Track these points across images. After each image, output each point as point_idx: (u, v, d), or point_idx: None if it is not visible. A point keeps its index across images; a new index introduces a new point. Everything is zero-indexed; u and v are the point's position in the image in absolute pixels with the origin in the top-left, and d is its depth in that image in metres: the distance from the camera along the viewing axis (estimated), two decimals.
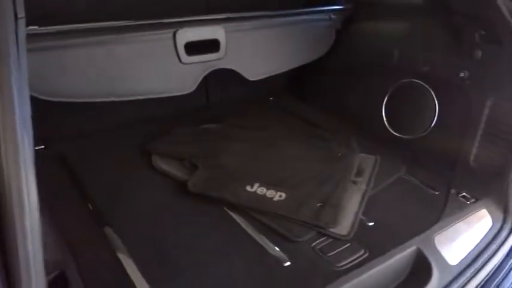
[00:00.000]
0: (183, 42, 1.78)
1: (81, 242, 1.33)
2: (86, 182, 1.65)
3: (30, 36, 1.49)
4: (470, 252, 1.42)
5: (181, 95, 1.91)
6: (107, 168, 1.76)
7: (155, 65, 1.78)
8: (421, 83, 1.92)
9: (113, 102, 1.78)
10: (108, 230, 1.38)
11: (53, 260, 1.16)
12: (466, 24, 1.69)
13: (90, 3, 1.81)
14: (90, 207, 1.52)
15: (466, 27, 1.69)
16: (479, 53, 1.67)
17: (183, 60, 1.80)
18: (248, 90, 2.43)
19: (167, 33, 1.75)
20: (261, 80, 2.16)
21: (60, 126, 1.98)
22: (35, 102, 1.54)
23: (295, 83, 2.65)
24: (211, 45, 1.89)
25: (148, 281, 1.19)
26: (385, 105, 2.08)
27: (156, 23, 1.72)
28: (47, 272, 1.14)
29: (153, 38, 1.74)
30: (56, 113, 1.90)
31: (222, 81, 2.34)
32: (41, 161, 1.83)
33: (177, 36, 1.75)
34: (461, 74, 1.74)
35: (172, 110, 2.22)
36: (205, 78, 1.99)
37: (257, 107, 2.49)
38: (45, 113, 1.82)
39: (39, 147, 1.91)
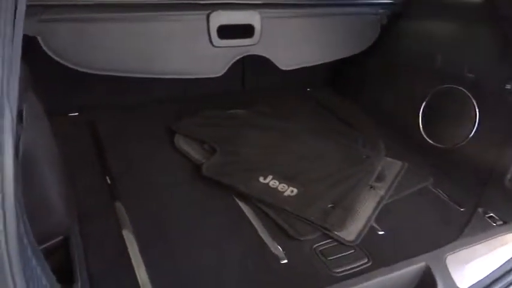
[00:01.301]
0: (216, 25, 1.76)
1: (91, 212, 1.38)
2: (108, 154, 1.70)
3: (67, 7, 1.57)
4: (484, 278, 1.33)
5: (217, 79, 1.90)
6: (131, 142, 1.81)
7: (186, 46, 1.78)
8: (464, 90, 1.79)
9: (147, 78, 1.82)
10: (119, 205, 1.42)
11: (59, 222, 1.22)
12: None
13: None
14: (108, 179, 1.56)
15: None
16: None
17: (214, 43, 1.79)
18: (286, 79, 2.39)
19: (201, 15, 1.74)
20: (299, 70, 2.11)
21: (95, 96, 2.06)
22: (71, 71, 1.63)
23: (334, 76, 2.57)
24: (245, 30, 1.86)
25: (144, 259, 1.21)
26: (423, 109, 1.97)
27: (191, 3, 1.72)
28: (53, 234, 1.21)
29: (186, 19, 1.74)
30: (91, 83, 1.98)
31: (259, 67, 2.31)
32: (72, 127, 1.93)
33: (211, 18, 1.74)
34: (508, 86, 1.60)
35: (206, 92, 2.24)
36: (242, 64, 1.97)
37: (292, 96, 2.45)
38: (81, 82, 1.92)
39: (73, 114, 2.01)
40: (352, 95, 2.41)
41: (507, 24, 1.57)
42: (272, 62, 1.99)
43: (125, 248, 1.25)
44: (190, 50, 1.80)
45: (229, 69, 1.91)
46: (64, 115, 1.96)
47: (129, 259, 1.21)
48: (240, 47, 1.87)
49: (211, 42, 1.79)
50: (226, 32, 1.82)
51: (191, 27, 1.76)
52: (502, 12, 1.58)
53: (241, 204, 1.48)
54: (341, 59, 2.25)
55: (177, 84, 1.97)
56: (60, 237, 1.21)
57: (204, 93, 2.23)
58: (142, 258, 1.21)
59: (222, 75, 1.91)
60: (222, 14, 1.76)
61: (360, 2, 2.18)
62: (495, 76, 1.64)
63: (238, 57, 1.88)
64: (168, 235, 1.33)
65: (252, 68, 2.38)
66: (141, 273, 1.16)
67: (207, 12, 1.74)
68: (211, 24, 1.75)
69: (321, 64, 2.21)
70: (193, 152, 1.75)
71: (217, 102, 2.18)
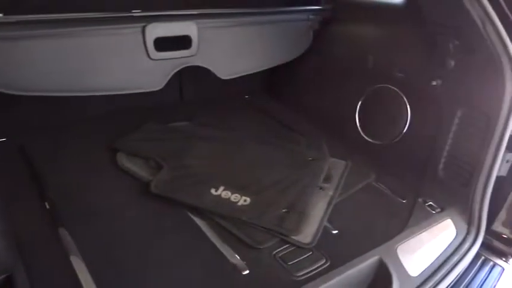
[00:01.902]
0: (153, 38, 1.72)
1: (34, 243, 1.29)
2: (44, 179, 1.59)
3: None
4: (432, 263, 1.42)
5: (154, 92, 1.85)
6: (69, 165, 1.71)
7: (123, 60, 1.72)
8: (395, 89, 1.91)
9: (80, 96, 1.73)
10: (63, 231, 1.33)
11: (2, 261, 1.12)
12: (440, 33, 1.68)
13: None
14: (47, 206, 1.46)
15: (440, 37, 1.68)
16: (452, 63, 1.65)
17: (152, 56, 1.74)
18: (223, 88, 2.39)
19: (136, 28, 1.69)
20: (237, 79, 2.12)
21: (23, 119, 1.91)
22: None
23: (272, 82, 2.62)
24: (183, 42, 1.83)
25: (98, 286, 1.14)
26: (359, 109, 2.06)
27: (125, 16, 1.66)
28: None
29: (121, 32, 1.68)
30: (19, 105, 1.84)
31: (196, 78, 2.29)
32: (1, 154, 1.78)
33: (146, 31, 1.70)
34: (434, 83, 1.73)
35: (145, 106, 2.17)
36: (180, 75, 1.93)
37: (231, 105, 2.45)
38: (7, 105, 1.78)
39: (0, 140, 1.85)
40: (290, 100, 2.46)
41: (431, 25, 1.70)
42: (208, 72, 1.98)
43: (75, 276, 1.17)
44: (128, 64, 1.73)
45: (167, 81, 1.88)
46: None
47: None
48: (179, 58, 1.83)
49: (148, 55, 1.74)
50: (163, 44, 1.78)
51: (127, 41, 1.70)
52: (425, 15, 1.70)
53: (196, 219, 1.45)
54: (277, 66, 2.30)
55: (112, 99, 1.89)
56: (3, 276, 1.11)
57: (141, 108, 2.16)
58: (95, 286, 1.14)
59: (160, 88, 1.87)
60: (158, 26, 1.72)
61: (290, 9, 2.24)
62: (423, 74, 1.76)
63: (177, 69, 1.84)
64: (121, 259, 1.26)
65: (189, 79, 2.35)
66: None
67: (142, 24, 1.69)
68: (147, 36, 1.70)
69: (259, 71, 2.24)
70: (139, 169, 1.68)
71: (156, 116, 2.13)
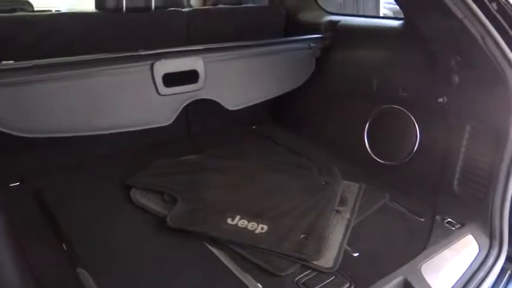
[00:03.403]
0: (161, 74, 1.76)
1: (53, 285, 1.27)
2: (61, 220, 1.59)
3: (3, 71, 1.49)
4: (457, 280, 1.39)
5: (162, 127, 1.88)
6: (84, 204, 1.71)
7: (132, 98, 1.75)
8: (401, 108, 1.92)
9: (91, 135, 1.75)
10: (82, 272, 1.31)
11: None
12: (441, 50, 1.71)
13: (69, 37, 1.81)
14: (64, 247, 1.45)
15: (442, 54, 1.71)
16: (456, 79, 1.68)
17: (161, 92, 1.77)
18: (230, 119, 2.42)
19: (144, 65, 1.73)
20: (243, 109, 2.15)
21: (37, 162, 1.93)
22: (10, 138, 1.53)
23: (278, 111, 2.65)
24: (190, 76, 1.88)
25: None
26: (367, 131, 2.08)
27: (133, 55, 1.71)
28: None
29: (129, 71, 1.72)
30: (32, 148, 1.86)
31: (202, 111, 2.32)
32: (16, 198, 1.79)
33: (155, 68, 1.74)
34: (440, 100, 1.75)
35: (153, 142, 2.19)
36: (186, 109, 1.96)
37: (239, 136, 2.47)
38: (20, 148, 1.80)
39: (14, 184, 1.86)
40: (298, 127, 2.48)
41: (431, 44, 1.73)
42: (215, 106, 2.01)
43: None
44: (137, 102, 1.76)
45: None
46: (4, 186, 1.82)
47: None
48: (187, 93, 1.87)
49: (157, 91, 1.77)
50: (171, 80, 1.82)
51: (136, 79, 1.74)
52: (425, 34, 1.74)
53: (214, 250, 1.44)
54: (283, 94, 2.33)
55: (124, 137, 1.91)
56: None
57: (151, 144, 2.18)
58: None
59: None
60: (166, 63, 1.76)
61: (291, 39, 2.29)
62: (428, 92, 1.78)
63: (186, 103, 1.87)
64: None
65: (196, 113, 2.38)
66: None
67: (151, 62, 1.74)
68: (155, 73, 1.74)
69: (264, 101, 2.27)
70: (153, 204, 1.68)
71: (166, 151, 2.14)
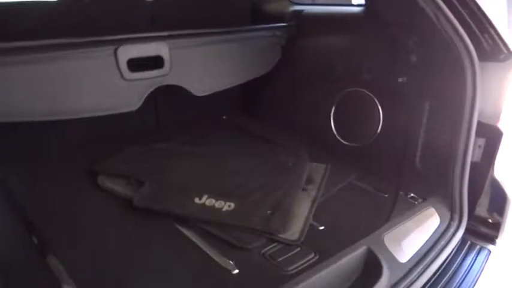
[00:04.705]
0: (125, 59, 1.75)
1: (22, 273, 1.24)
2: (27, 208, 1.55)
3: None
4: (419, 249, 1.43)
5: (130, 117, 1.87)
6: (51, 192, 1.68)
7: (97, 82, 1.74)
8: (365, 91, 1.97)
9: (59, 123, 1.72)
10: (51, 258, 1.29)
11: None
12: (400, 32, 1.77)
13: (31, 25, 1.77)
14: (33, 236, 1.42)
15: (400, 35, 1.77)
16: (414, 58, 1.74)
17: (125, 77, 1.77)
18: (200, 109, 2.42)
19: (108, 50, 1.72)
20: (212, 99, 2.16)
21: (2, 150, 1.88)
22: None
23: (247, 100, 2.67)
24: (157, 63, 1.87)
25: None
26: (333, 115, 2.12)
27: (97, 40, 1.70)
28: None
29: (94, 55, 1.70)
30: None
31: (171, 102, 2.32)
32: None
33: (118, 52, 1.73)
34: (400, 80, 1.81)
35: (122, 132, 2.17)
36: (155, 100, 1.96)
37: (209, 125, 2.47)
38: None
39: None
40: (267, 116, 2.51)
41: (391, 27, 1.79)
42: (184, 95, 2.01)
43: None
44: (102, 86, 1.75)
45: (142, 106, 1.89)
46: None
47: None
48: (153, 78, 1.87)
49: (122, 76, 1.76)
50: (137, 66, 1.81)
51: (100, 63, 1.72)
52: (385, 18, 1.79)
53: (182, 228, 1.44)
54: (250, 83, 2.35)
55: (89, 128, 1.90)
56: None
57: (118, 135, 2.15)
58: None
59: (135, 113, 1.88)
60: (130, 48, 1.76)
61: (256, 27, 2.33)
62: (389, 73, 1.84)
63: (152, 89, 1.87)
64: (113, 276, 1.23)
65: (164, 103, 2.37)
66: None
67: (115, 47, 1.73)
68: (119, 58, 1.73)
69: (231, 91, 2.28)
70: (120, 188, 1.67)
71: (134, 142, 2.12)
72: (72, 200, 1.64)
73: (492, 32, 1.51)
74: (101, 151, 1.98)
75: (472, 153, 1.62)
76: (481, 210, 1.67)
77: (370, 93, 1.95)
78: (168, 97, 2.06)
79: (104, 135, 2.13)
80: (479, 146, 1.65)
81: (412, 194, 1.70)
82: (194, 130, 2.36)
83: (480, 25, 1.52)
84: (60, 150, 1.98)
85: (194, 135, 2.25)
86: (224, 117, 2.63)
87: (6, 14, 1.76)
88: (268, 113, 2.51)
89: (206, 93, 2.07)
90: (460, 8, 1.54)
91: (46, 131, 1.88)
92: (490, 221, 1.65)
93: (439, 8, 1.50)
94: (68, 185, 1.74)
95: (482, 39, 1.55)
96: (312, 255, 1.32)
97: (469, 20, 1.52)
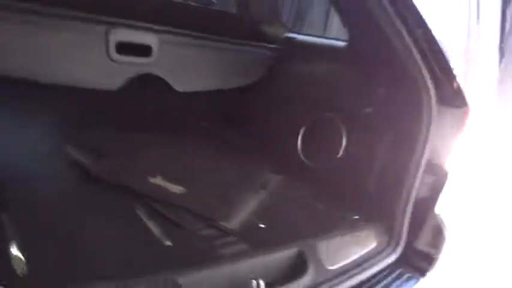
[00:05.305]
0: (115, 40, 1.85)
1: None
2: None
3: None
4: (348, 262, 1.50)
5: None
6: (15, 160, 1.68)
7: (83, 55, 1.82)
8: (334, 117, 2.08)
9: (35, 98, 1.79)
10: (4, 215, 1.31)
11: None
12: (374, 67, 1.90)
13: None
14: None
15: (374, 70, 1.90)
16: (382, 92, 1.86)
17: (112, 57, 1.86)
18: (179, 116, 2.48)
19: (101, 28, 1.82)
20: (192, 105, 2.24)
21: None
22: None
23: (227, 111, 2.76)
24: (144, 51, 1.98)
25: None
26: (301, 136, 2.22)
27: (94, 18, 1.80)
28: None
29: (86, 30, 1.80)
30: None
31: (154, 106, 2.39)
32: None
33: (110, 33, 1.83)
34: (367, 110, 1.93)
35: None
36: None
37: (185, 130, 2.54)
38: None
39: None
40: (243, 126, 2.60)
41: (364, 62, 1.93)
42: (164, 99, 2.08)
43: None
44: (87, 60, 1.84)
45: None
46: None
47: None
48: (138, 64, 1.97)
49: (108, 55, 1.86)
50: (125, 49, 1.91)
51: (90, 39, 1.82)
52: (362, 53, 1.94)
53: (134, 203, 1.50)
54: (232, 97, 2.48)
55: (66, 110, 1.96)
56: None
57: None
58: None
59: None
60: (122, 31, 1.87)
61: (249, 43, 2.46)
62: (358, 103, 1.96)
63: (136, 74, 1.96)
64: (56, 235, 1.27)
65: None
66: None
67: (108, 27, 1.83)
68: (110, 38, 1.83)
69: (214, 100, 2.38)
70: (83, 158, 1.73)
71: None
72: (34, 165, 1.66)
73: (452, 78, 1.65)
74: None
75: (419, 189, 1.72)
76: (420, 243, 1.75)
77: (338, 120, 2.06)
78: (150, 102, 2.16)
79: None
80: (427, 183, 1.75)
81: (357, 216, 1.77)
82: (170, 132, 2.42)
83: (443, 71, 1.65)
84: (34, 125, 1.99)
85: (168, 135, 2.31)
86: (202, 124, 2.72)
87: None
88: (245, 124, 2.61)
89: (186, 91, 2.17)
90: (427, 53, 1.69)
91: (19, 101, 1.90)
92: (426, 254, 1.73)
93: (410, 50, 1.62)
94: (34, 153, 1.76)
95: (443, 85, 1.68)
96: (247, 246, 1.38)
97: (434, 64, 1.66)
